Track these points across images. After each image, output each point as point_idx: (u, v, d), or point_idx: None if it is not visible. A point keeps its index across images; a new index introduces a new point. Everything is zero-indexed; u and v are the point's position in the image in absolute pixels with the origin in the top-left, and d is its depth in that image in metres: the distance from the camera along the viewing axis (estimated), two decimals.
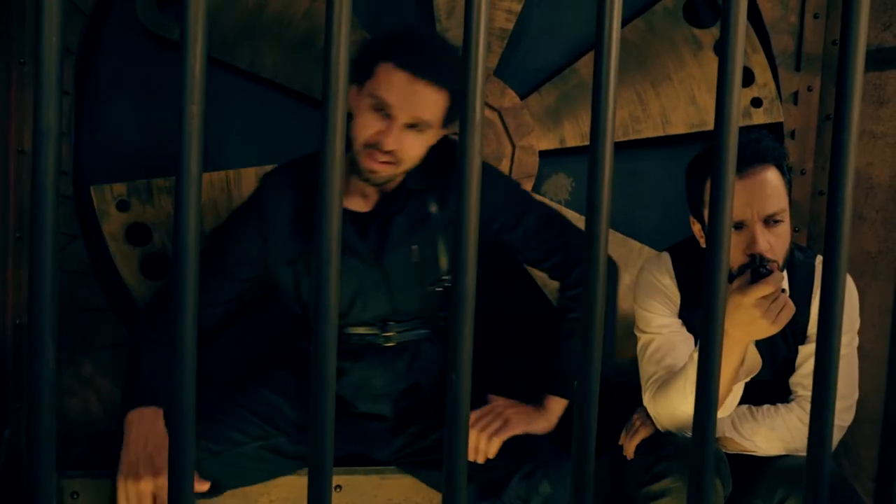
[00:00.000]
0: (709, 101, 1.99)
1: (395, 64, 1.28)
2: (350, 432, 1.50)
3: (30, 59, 1.77)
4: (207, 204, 1.75)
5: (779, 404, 1.53)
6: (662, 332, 1.51)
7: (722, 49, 0.73)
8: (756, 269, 1.29)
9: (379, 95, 1.28)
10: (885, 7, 1.91)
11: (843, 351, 1.51)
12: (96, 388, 1.85)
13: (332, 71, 0.72)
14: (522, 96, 1.93)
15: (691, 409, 0.71)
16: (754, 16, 1.97)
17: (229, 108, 1.87)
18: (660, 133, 2.00)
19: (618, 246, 1.98)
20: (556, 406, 1.46)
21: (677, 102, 1.99)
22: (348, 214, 1.37)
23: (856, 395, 1.56)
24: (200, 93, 0.72)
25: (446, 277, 1.46)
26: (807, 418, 1.49)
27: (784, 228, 1.42)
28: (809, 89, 2.06)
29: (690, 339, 1.53)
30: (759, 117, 2.01)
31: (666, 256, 1.59)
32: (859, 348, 1.57)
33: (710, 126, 2.01)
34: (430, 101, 1.29)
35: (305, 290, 1.44)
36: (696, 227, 1.53)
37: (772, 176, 1.42)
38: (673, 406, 1.42)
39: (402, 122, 1.29)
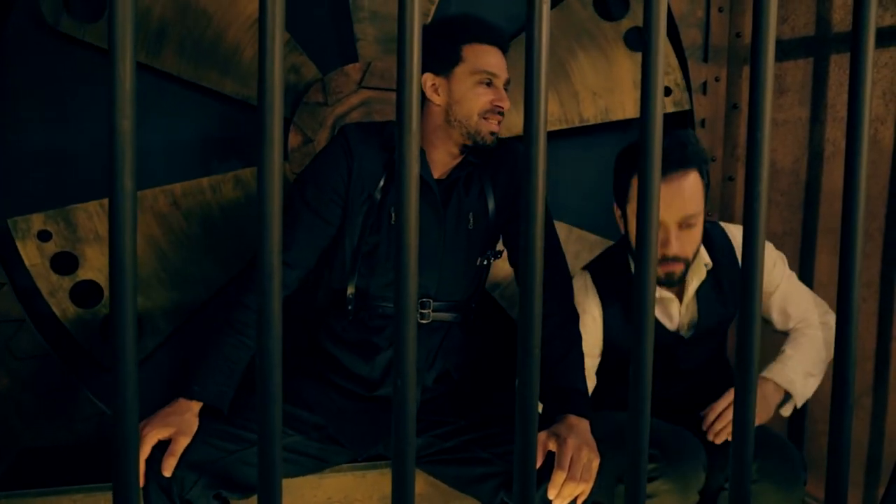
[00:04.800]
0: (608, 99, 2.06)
1: (479, 41, 1.52)
2: (372, 424, 1.50)
3: None
4: None
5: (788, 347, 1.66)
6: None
7: (645, 50, 0.77)
8: None
9: (483, 69, 1.52)
10: (782, 2, 2.02)
11: (787, 287, 1.68)
12: (16, 402, 1.78)
13: (266, 85, 0.72)
14: None
15: None
16: None
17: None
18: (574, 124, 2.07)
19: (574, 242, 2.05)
20: (584, 424, 1.41)
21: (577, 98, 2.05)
22: (431, 179, 1.55)
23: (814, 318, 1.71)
24: (131, 107, 0.71)
25: (490, 252, 1.61)
26: (817, 335, 1.65)
27: (697, 228, 1.52)
28: (717, 79, 2.16)
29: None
30: (668, 106, 2.10)
31: (586, 275, 1.67)
32: None
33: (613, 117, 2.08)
34: (505, 63, 1.56)
35: (369, 240, 1.53)
36: (618, 213, 1.61)
37: (693, 180, 1.49)
38: None
39: (501, 83, 1.54)
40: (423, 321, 1.55)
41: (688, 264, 1.54)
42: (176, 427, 1.30)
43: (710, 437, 1.52)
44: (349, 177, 1.52)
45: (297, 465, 1.47)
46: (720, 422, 1.51)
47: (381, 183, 1.52)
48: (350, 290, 1.54)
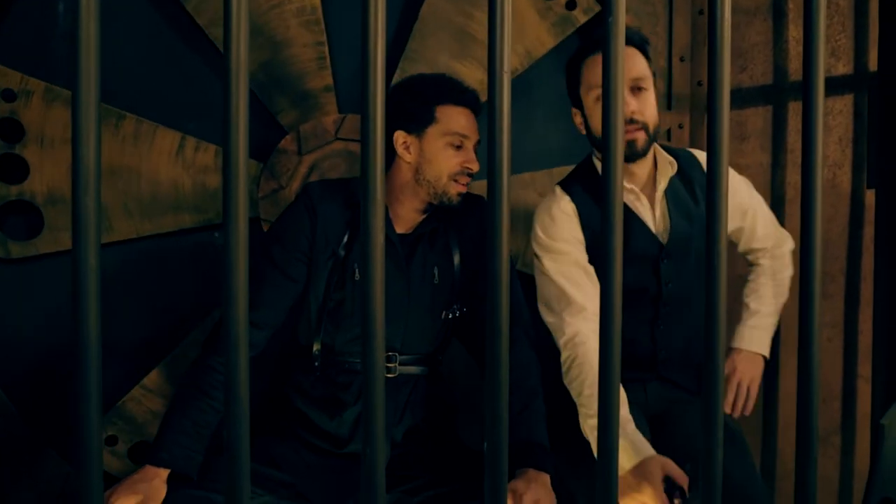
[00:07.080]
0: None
1: (453, 103, 1.55)
2: (341, 480, 1.49)
3: None
4: None
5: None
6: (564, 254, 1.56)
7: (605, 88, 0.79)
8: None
9: (455, 131, 1.54)
10: (740, 52, 2.08)
11: (760, 209, 1.73)
12: None
13: (231, 143, 0.73)
14: None
15: None
16: None
17: None
18: None
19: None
20: (544, 478, 1.42)
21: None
22: (395, 235, 1.57)
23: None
24: (95, 180, 0.71)
25: (457, 306, 1.61)
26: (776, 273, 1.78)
27: (649, 97, 1.56)
28: (680, 126, 2.21)
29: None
30: None
31: (560, 193, 1.62)
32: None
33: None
34: (476, 125, 1.59)
35: (334, 297, 1.53)
36: (577, 118, 1.61)
37: (635, 52, 1.55)
38: None
39: (472, 145, 1.57)
40: (390, 375, 1.55)
41: (649, 133, 1.55)
42: (143, 494, 1.29)
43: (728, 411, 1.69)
44: (313, 235, 1.53)
45: None
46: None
47: (345, 240, 1.53)
48: (316, 347, 1.54)
